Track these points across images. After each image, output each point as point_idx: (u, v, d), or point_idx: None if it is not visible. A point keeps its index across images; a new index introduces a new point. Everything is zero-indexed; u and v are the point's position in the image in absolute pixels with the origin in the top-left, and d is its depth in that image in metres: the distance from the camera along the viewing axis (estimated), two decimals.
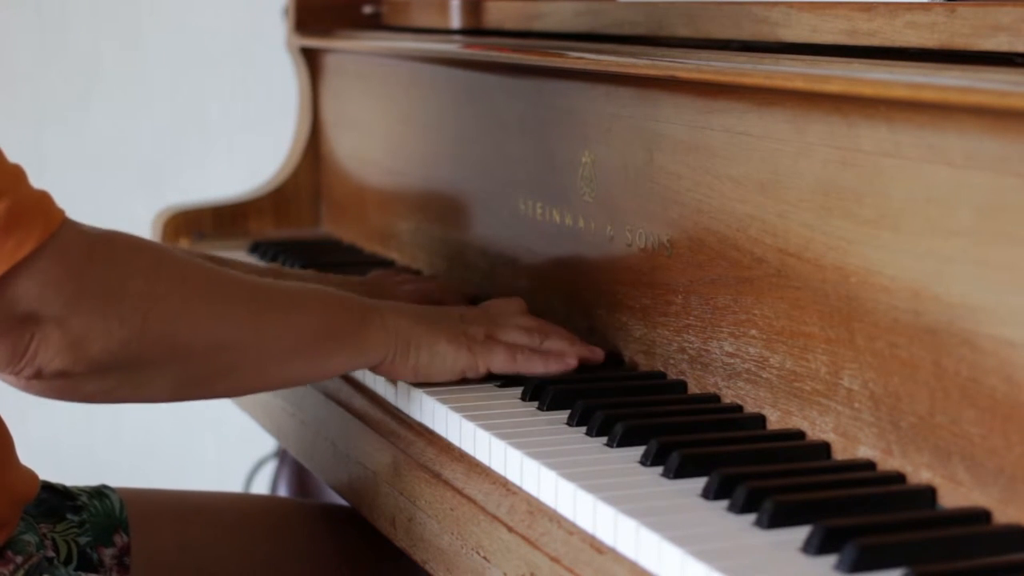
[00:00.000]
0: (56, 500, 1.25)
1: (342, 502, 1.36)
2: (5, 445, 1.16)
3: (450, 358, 1.20)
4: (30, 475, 1.19)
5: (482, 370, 1.21)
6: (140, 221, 1.98)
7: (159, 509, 1.32)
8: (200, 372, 1.11)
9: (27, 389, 1.06)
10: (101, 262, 1.05)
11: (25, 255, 1.00)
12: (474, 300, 1.44)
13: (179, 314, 1.08)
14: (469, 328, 1.22)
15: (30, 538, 1.16)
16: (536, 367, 1.21)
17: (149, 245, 1.11)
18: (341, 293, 1.21)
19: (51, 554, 1.18)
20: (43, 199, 1.03)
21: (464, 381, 1.22)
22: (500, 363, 1.21)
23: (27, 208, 1.01)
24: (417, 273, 1.62)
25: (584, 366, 1.25)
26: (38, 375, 1.04)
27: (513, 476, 1.05)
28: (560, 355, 1.22)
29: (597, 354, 1.25)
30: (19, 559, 1.12)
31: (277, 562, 1.35)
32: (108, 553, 1.25)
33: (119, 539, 1.26)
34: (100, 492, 1.28)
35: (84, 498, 1.26)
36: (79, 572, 1.16)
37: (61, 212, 1.04)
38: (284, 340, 1.15)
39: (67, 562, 1.20)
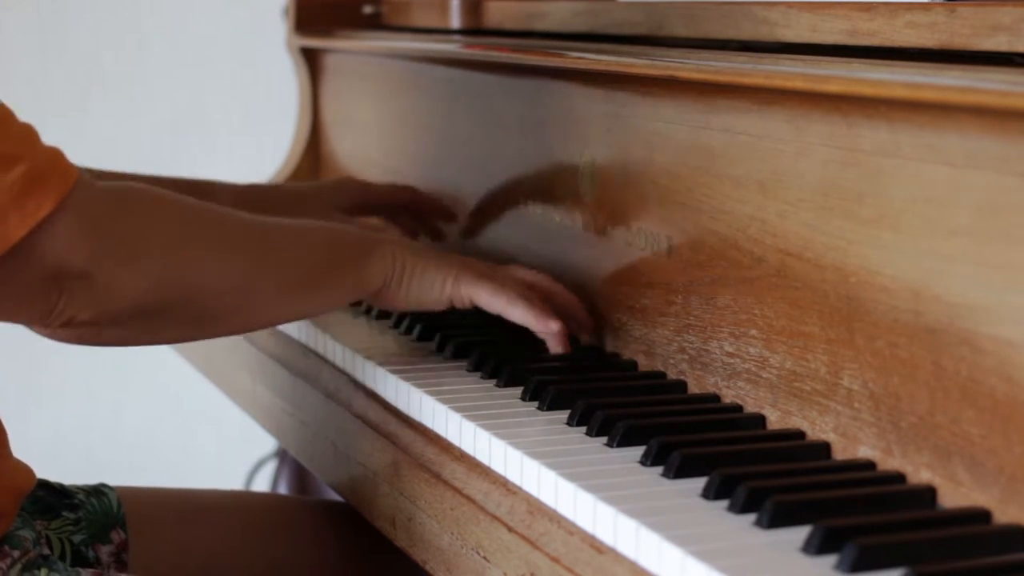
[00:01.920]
0: (52, 498, 1.25)
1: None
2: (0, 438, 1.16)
3: (437, 284, 1.25)
4: (26, 468, 1.19)
5: (466, 300, 1.25)
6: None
7: (157, 507, 1.32)
8: (214, 312, 1.15)
9: (54, 337, 1.09)
10: (119, 215, 1.09)
11: (46, 214, 1.03)
12: None
13: (196, 260, 1.13)
14: (466, 265, 1.27)
15: (27, 534, 1.16)
16: (518, 312, 1.23)
17: (161, 195, 1.14)
18: (343, 226, 1.27)
19: (46, 551, 1.19)
20: (57, 157, 1.05)
21: (464, 380, 1.22)
22: (484, 297, 1.25)
23: (44, 168, 1.04)
24: None
25: (583, 366, 1.25)
26: (67, 324, 1.07)
27: (513, 476, 1.05)
28: (546, 315, 1.23)
29: (588, 323, 1.30)
30: (16, 553, 1.12)
31: (277, 559, 1.36)
32: (105, 550, 1.25)
33: (116, 536, 1.26)
34: (98, 490, 1.28)
35: (81, 496, 1.27)
36: (77, 568, 1.16)
37: (75, 168, 1.06)
38: (293, 275, 1.20)
39: (60, 559, 1.20)
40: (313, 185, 1.52)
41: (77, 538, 1.23)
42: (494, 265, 1.30)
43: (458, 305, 1.26)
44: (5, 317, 1.07)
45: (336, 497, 1.39)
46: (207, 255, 1.14)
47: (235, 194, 1.48)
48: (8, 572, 1.10)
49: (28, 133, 1.05)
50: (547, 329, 1.24)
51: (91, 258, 1.05)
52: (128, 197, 1.11)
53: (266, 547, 1.35)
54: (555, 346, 1.26)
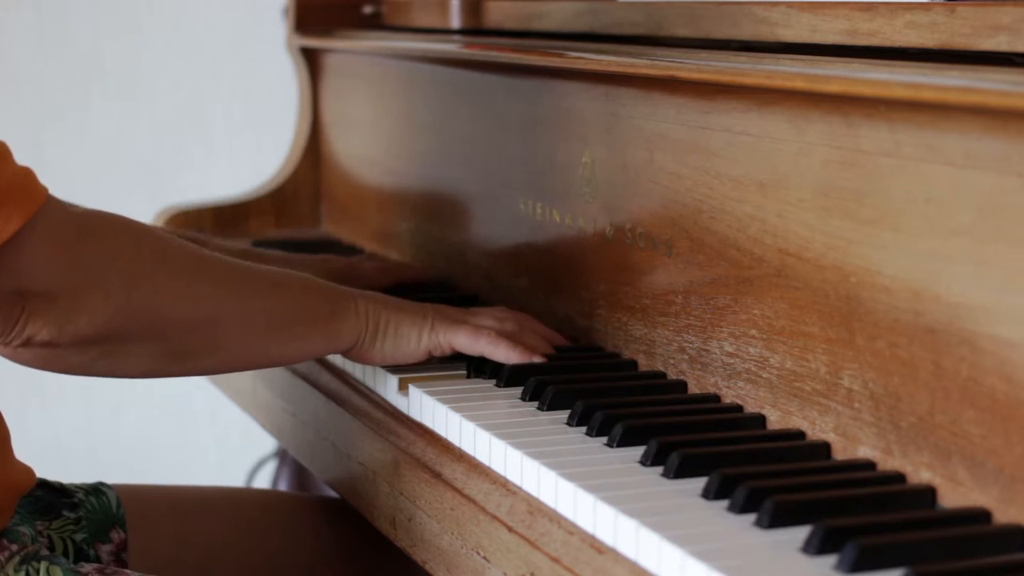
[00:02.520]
0: (52, 497, 1.25)
1: None
2: (2, 437, 1.16)
3: (414, 338, 1.24)
4: (26, 468, 1.19)
5: (445, 348, 1.24)
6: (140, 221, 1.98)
7: (156, 505, 1.32)
8: (179, 348, 1.14)
9: (13, 358, 1.09)
10: (88, 240, 1.08)
11: (12, 233, 1.03)
12: (471, 300, 1.45)
13: (162, 291, 1.11)
14: (439, 313, 1.26)
15: (25, 529, 1.16)
16: (500, 351, 1.23)
17: (133, 224, 1.14)
18: (317, 280, 1.25)
19: (45, 552, 1.19)
20: (27, 176, 1.05)
21: (464, 380, 1.22)
22: (463, 340, 1.24)
23: (12, 187, 1.04)
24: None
25: (583, 366, 1.25)
26: (26, 344, 1.07)
27: (513, 476, 1.05)
28: (528, 350, 1.23)
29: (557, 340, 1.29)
30: (14, 547, 1.12)
31: (275, 554, 1.36)
32: (105, 550, 1.25)
33: (116, 535, 1.26)
34: (97, 489, 1.28)
35: (80, 495, 1.27)
36: (80, 563, 1.16)
37: (44, 189, 1.06)
38: (261, 321, 1.18)
39: (63, 556, 1.20)
40: (301, 258, 1.50)
41: (79, 536, 1.23)
42: (467, 309, 1.29)
43: (436, 354, 1.25)
44: None
45: (335, 495, 1.39)
46: (174, 286, 1.12)
47: (223, 249, 1.46)
48: (6, 565, 1.10)
49: (0, 151, 1.05)
50: (533, 360, 1.24)
51: (54, 278, 1.05)
52: (98, 222, 1.10)
53: (264, 542, 1.36)
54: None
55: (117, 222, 1.12)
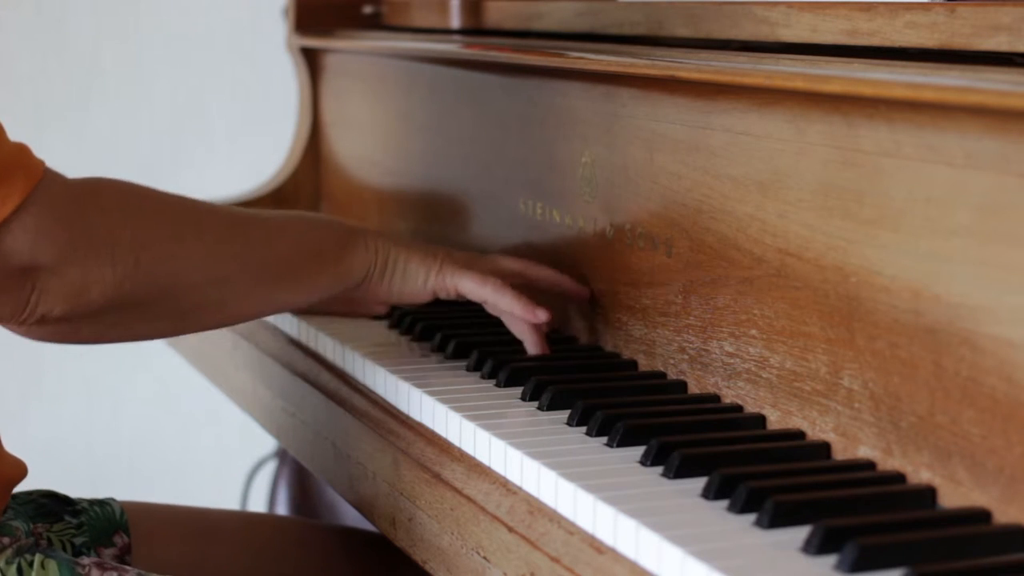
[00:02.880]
0: (55, 505, 1.25)
1: (349, 511, 1.35)
2: None
3: (421, 276, 1.25)
4: (17, 461, 1.19)
5: (452, 290, 1.25)
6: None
7: (164, 523, 1.31)
8: (192, 305, 1.14)
9: (29, 335, 1.09)
10: (90, 209, 1.08)
11: (12, 209, 1.02)
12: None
13: (169, 253, 1.11)
14: (448, 255, 1.26)
15: (19, 524, 1.16)
16: (505, 300, 1.23)
17: (133, 188, 1.13)
18: (324, 216, 1.24)
19: (44, 546, 1.18)
20: (22, 151, 1.05)
21: (464, 380, 1.22)
22: (469, 284, 1.25)
23: (8, 163, 1.03)
24: None
25: (583, 366, 1.25)
26: (42, 322, 1.06)
27: (513, 476, 1.05)
28: (532, 305, 1.23)
29: (582, 292, 1.29)
30: (6, 540, 1.12)
31: None
32: (108, 553, 1.24)
33: (119, 539, 1.25)
34: (102, 502, 1.27)
35: (84, 504, 1.26)
36: (79, 557, 1.15)
37: (41, 162, 1.06)
38: (271, 267, 1.19)
39: None
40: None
41: (78, 540, 1.23)
42: (477, 254, 1.30)
43: (442, 295, 1.25)
44: None
45: (337, 499, 1.39)
46: (180, 246, 1.12)
47: None
48: None
49: None
50: (535, 318, 1.24)
51: (61, 252, 1.05)
52: (97, 190, 1.10)
53: (277, 570, 1.34)
54: (533, 346, 1.26)
55: (117, 187, 1.12)
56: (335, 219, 1.25)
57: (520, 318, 1.24)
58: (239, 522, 1.40)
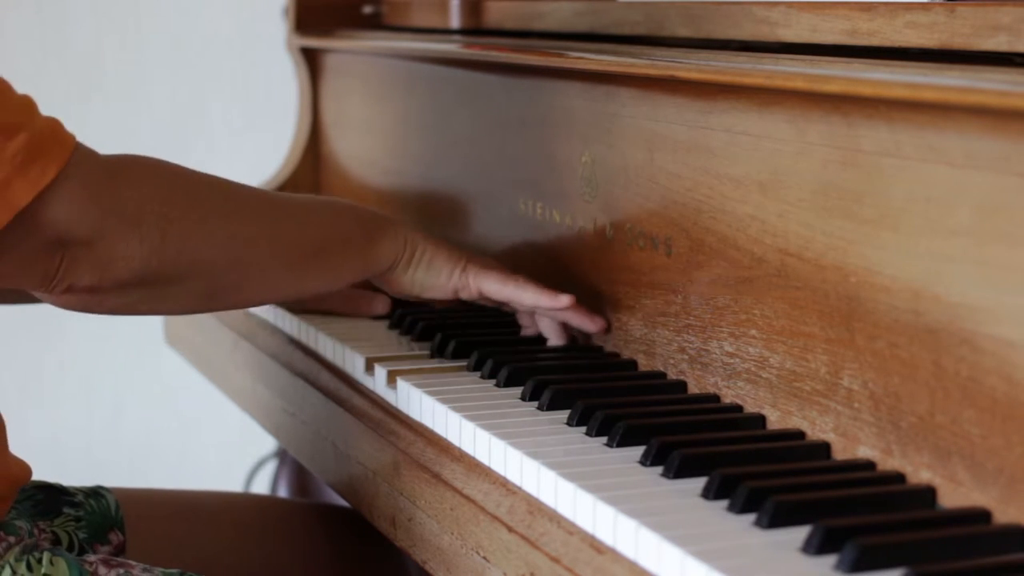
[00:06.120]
0: (52, 498, 1.25)
1: (341, 502, 1.36)
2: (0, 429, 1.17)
3: (445, 273, 1.26)
4: (21, 463, 1.19)
5: (474, 290, 1.27)
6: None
7: (153, 506, 1.32)
8: (219, 285, 1.15)
9: (56, 303, 1.10)
10: (121, 185, 1.09)
11: (50, 180, 1.03)
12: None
13: (196, 231, 1.12)
14: (473, 257, 1.27)
15: (23, 523, 1.16)
16: (528, 294, 1.24)
17: (164, 165, 1.14)
18: (354, 203, 1.27)
19: (48, 546, 1.18)
20: (56, 126, 1.07)
21: (464, 380, 1.22)
22: (492, 284, 1.26)
23: (44, 137, 1.05)
24: None
25: (583, 366, 1.25)
26: (69, 290, 1.08)
27: (513, 476, 1.05)
28: (555, 291, 1.24)
29: (598, 323, 1.28)
30: (12, 539, 1.12)
31: (273, 561, 1.36)
32: (103, 551, 1.25)
33: (115, 537, 1.26)
34: (96, 492, 1.28)
35: (80, 496, 1.27)
36: (85, 556, 1.16)
37: (72, 136, 1.07)
38: (299, 250, 1.19)
39: (69, 551, 1.20)
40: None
41: (81, 535, 1.23)
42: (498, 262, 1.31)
43: (464, 296, 1.26)
44: (8, 283, 1.08)
45: (335, 497, 1.39)
46: (208, 226, 1.13)
47: None
48: (5, 556, 1.10)
49: (27, 103, 1.06)
50: (559, 304, 1.24)
51: (92, 225, 1.06)
52: (128, 165, 1.11)
53: (261, 547, 1.35)
54: (557, 339, 1.27)
55: (148, 164, 1.13)
56: (366, 207, 1.26)
57: (547, 308, 1.25)
58: (226, 502, 1.40)
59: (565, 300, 1.24)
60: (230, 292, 1.17)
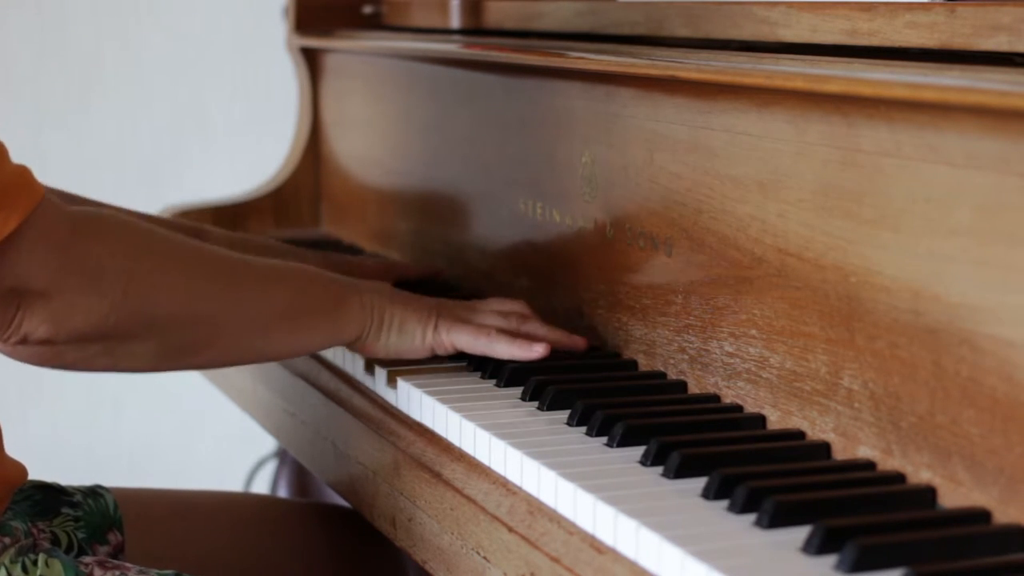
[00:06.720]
0: (51, 498, 1.25)
1: (341, 501, 1.36)
2: None
3: (418, 335, 1.24)
4: (17, 464, 1.19)
5: (448, 347, 1.24)
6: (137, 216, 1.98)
7: (154, 508, 1.32)
8: (179, 344, 1.14)
9: (12, 355, 1.10)
10: (83, 238, 1.08)
11: (11, 230, 1.03)
12: (466, 295, 1.45)
13: (158, 289, 1.11)
14: (443, 310, 1.25)
15: (18, 524, 1.16)
16: (501, 348, 1.23)
17: (129, 222, 1.14)
18: (321, 272, 1.24)
19: (46, 546, 1.18)
20: (24, 174, 1.06)
21: (464, 380, 1.22)
22: (465, 340, 1.24)
23: (10, 185, 1.04)
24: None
25: (583, 366, 1.25)
26: (24, 342, 1.07)
27: (513, 476, 1.05)
28: (529, 342, 1.23)
29: (577, 342, 1.27)
30: (7, 540, 1.12)
31: (271, 560, 1.36)
32: (102, 551, 1.25)
33: (113, 537, 1.26)
34: (94, 491, 1.28)
35: (79, 496, 1.27)
36: (81, 558, 1.16)
37: (41, 187, 1.06)
38: (262, 315, 1.18)
39: (67, 551, 1.20)
40: (303, 252, 1.49)
41: (80, 535, 1.23)
42: (470, 303, 1.29)
43: (439, 352, 1.25)
44: None
45: (335, 497, 1.39)
46: (170, 283, 1.12)
47: (225, 239, 1.45)
48: (1, 557, 1.10)
49: None
50: (533, 355, 1.24)
51: (52, 277, 1.05)
52: (94, 220, 1.10)
53: (260, 546, 1.35)
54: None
55: (113, 220, 1.12)
56: (333, 275, 1.24)
57: (522, 359, 1.24)
58: (224, 501, 1.40)
59: (539, 351, 1.23)
60: (191, 352, 1.16)
